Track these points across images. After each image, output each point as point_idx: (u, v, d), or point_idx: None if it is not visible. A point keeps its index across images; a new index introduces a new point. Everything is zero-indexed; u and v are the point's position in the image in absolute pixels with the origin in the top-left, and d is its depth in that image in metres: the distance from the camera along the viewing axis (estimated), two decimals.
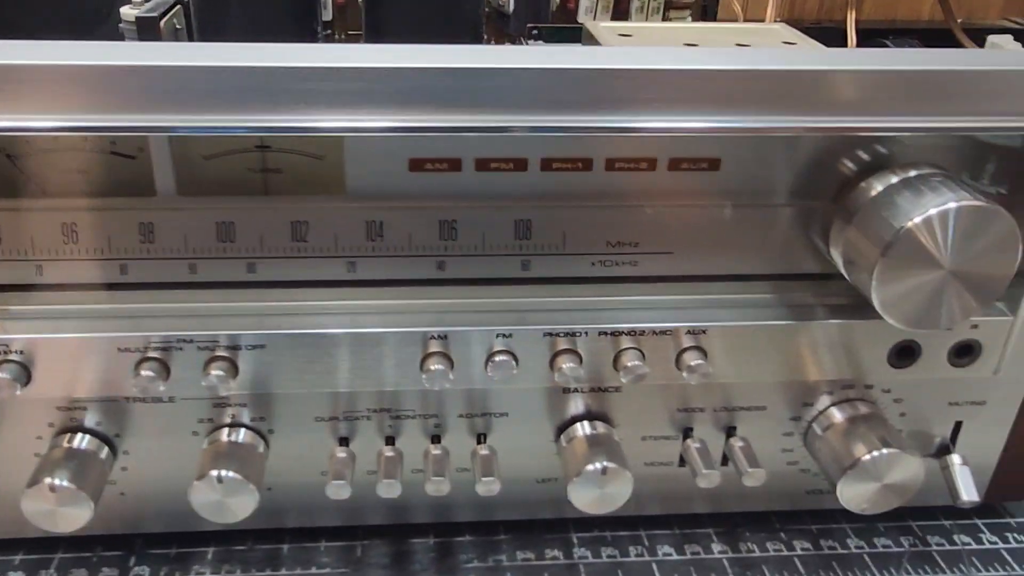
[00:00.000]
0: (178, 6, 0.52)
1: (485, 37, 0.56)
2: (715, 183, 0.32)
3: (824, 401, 0.35)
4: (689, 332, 0.33)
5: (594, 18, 0.62)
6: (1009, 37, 1.02)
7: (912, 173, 0.30)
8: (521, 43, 0.55)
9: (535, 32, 0.53)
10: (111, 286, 0.32)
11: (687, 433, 0.35)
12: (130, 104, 0.27)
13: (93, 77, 0.27)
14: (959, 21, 1.04)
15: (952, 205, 0.28)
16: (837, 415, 0.35)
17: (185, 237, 0.32)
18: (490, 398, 0.34)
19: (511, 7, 0.60)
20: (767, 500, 0.38)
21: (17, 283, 0.32)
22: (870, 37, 1.01)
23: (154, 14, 0.50)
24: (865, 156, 0.32)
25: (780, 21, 0.48)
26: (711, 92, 0.29)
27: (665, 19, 0.63)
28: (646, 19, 0.63)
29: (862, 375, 0.35)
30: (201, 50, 0.30)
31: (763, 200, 0.33)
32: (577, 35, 0.51)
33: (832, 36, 0.96)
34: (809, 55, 0.30)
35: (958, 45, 1.00)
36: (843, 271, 0.32)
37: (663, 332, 0.33)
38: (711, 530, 0.38)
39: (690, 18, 0.63)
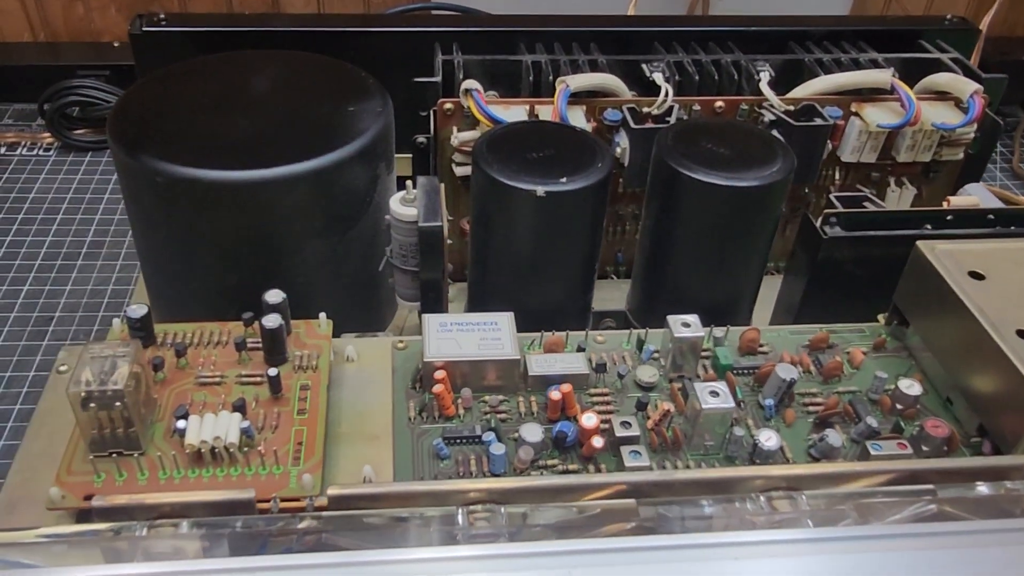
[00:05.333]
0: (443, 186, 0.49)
1: None
2: None
3: None
4: None
5: (859, 158, 0.58)
6: None
7: None
8: None
9: (832, 219, 0.49)
10: None
11: None
12: None
13: None
14: None
15: None
16: None
17: None
18: None
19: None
20: None
21: None
22: None
23: (437, 223, 0.46)
24: None
25: None
26: None
27: (935, 156, 0.58)
28: (915, 157, 0.58)
29: None
30: None
31: None
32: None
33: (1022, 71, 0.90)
34: None
35: None
36: None
37: None
38: None
39: (961, 154, 0.59)
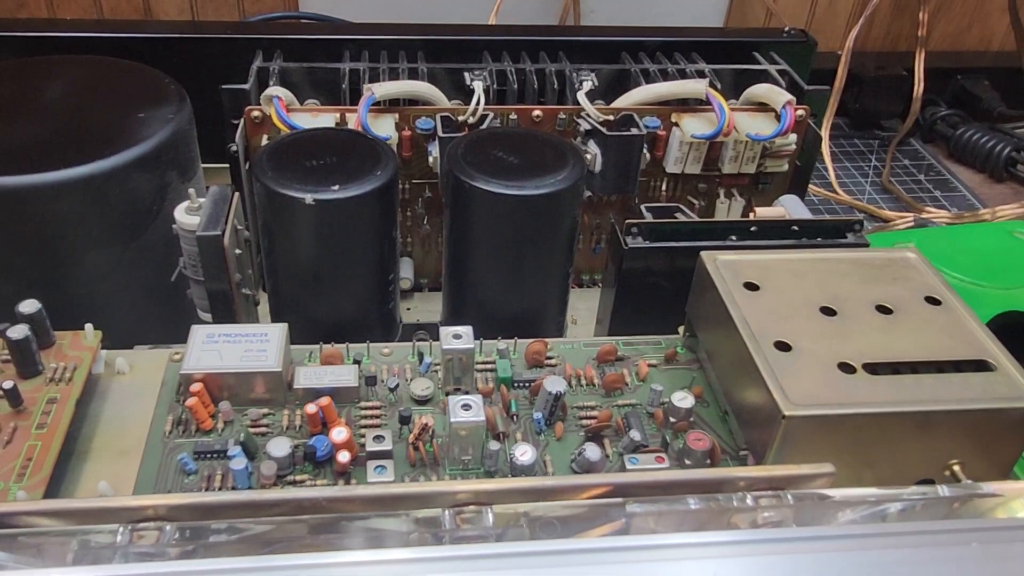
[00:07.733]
0: (236, 195, 0.47)
1: None
2: None
3: None
4: None
5: (683, 169, 0.57)
6: None
7: None
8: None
9: (634, 229, 0.48)
10: None
11: None
12: None
13: None
14: None
15: None
16: None
17: None
18: None
19: (597, 166, 0.55)
20: None
21: None
22: (938, 78, 0.95)
23: (216, 232, 0.45)
24: None
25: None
26: None
27: (759, 167, 0.58)
28: (739, 168, 0.58)
29: None
30: None
31: None
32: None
33: (900, 84, 0.91)
34: None
35: None
36: None
37: None
38: None
39: (787, 165, 0.58)
